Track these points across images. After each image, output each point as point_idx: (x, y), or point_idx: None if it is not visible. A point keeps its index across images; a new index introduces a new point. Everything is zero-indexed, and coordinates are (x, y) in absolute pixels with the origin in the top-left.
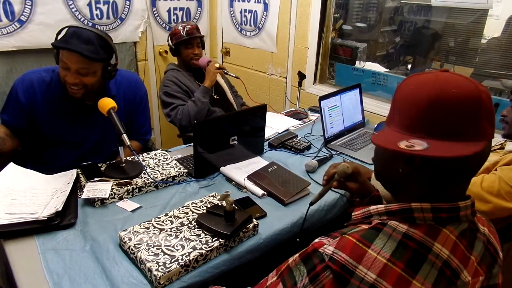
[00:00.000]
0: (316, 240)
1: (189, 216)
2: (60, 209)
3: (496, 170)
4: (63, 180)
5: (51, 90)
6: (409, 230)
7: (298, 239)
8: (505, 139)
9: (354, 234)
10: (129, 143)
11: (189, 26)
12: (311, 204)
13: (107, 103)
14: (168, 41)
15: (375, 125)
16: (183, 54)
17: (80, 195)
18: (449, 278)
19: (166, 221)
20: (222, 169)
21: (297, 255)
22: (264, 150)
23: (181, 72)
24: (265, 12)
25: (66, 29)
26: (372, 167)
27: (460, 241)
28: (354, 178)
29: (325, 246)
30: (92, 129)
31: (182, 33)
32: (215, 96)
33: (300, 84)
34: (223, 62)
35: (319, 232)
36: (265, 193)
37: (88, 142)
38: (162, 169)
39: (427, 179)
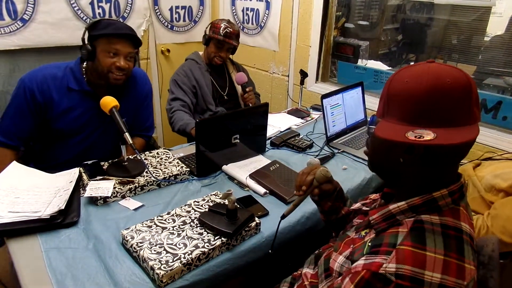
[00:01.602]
0: (362, 262)
1: (191, 214)
2: (62, 207)
3: None
4: (66, 179)
5: (64, 84)
6: (442, 219)
7: (270, 251)
8: None
9: (405, 242)
10: (131, 142)
11: (230, 30)
12: (283, 217)
13: (109, 102)
14: (206, 29)
15: (369, 119)
16: (210, 49)
17: (83, 193)
18: (473, 248)
19: (168, 220)
20: (224, 167)
21: (349, 284)
22: (266, 149)
23: (199, 64)
24: (267, 11)
25: (96, 21)
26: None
27: (467, 212)
28: (329, 179)
29: (384, 265)
30: (102, 121)
31: (219, 31)
32: (225, 97)
33: (302, 82)
34: None
35: (322, 232)
36: (267, 191)
37: (96, 133)
38: (165, 168)
39: (428, 166)
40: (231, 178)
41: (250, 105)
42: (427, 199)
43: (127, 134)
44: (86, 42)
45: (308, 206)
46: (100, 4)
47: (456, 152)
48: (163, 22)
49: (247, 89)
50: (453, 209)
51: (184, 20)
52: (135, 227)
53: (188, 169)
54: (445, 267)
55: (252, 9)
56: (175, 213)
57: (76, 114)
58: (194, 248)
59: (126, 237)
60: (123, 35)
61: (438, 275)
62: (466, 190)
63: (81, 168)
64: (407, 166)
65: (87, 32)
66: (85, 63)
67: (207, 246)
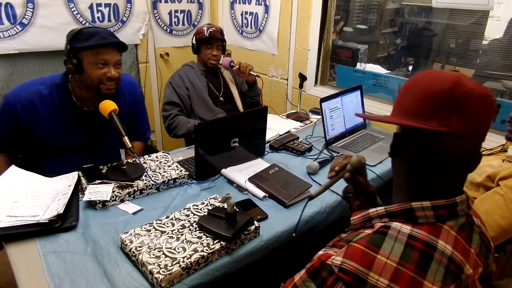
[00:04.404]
0: (321, 252)
1: (190, 218)
2: (61, 211)
3: (498, 184)
4: (65, 183)
5: (51, 101)
6: (413, 230)
7: (294, 234)
8: (509, 141)
9: (360, 241)
10: (130, 146)
11: (213, 28)
12: (311, 198)
13: (108, 106)
14: (192, 39)
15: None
16: (202, 53)
17: (82, 197)
18: (454, 273)
19: (167, 224)
20: (223, 171)
21: (303, 271)
22: (265, 152)
23: (194, 69)
24: (266, 14)
25: (76, 32)
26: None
27: (460, 235)
28: (362, 172)
29: (332, 257)
30: (98, 133)
31: (205, 33)
32: (221, 98)
33: (301, 86)
34: None
35: (320, 234)
36: (266, 195)
37: (96, 146)
38: (164, 171)
39: (417, 173)
40: (230, 182)
41: (252, 72)
42: (405, 207)
43: (126, 138)
44: (70, 55)
45: (308, 209)
46: (99, 8)
47: (446, 160)
48: (162, 26)
49: (237, 65)
50: (434, 225)
51: (183, 24)
52: (134, 231)
53: (187, 172)
54: (395, 275)
55: (251, 13)
56: (174, 217)
57: (67, 131)
58: (193, 252)
59: (125, 241)
60: (109, 43)
61: (385, 281)
62: (464, 209)
63: (80, 172)
64: (397, 170)
65: (69, 45)
66: (70, 76)
67: (206, 250)
